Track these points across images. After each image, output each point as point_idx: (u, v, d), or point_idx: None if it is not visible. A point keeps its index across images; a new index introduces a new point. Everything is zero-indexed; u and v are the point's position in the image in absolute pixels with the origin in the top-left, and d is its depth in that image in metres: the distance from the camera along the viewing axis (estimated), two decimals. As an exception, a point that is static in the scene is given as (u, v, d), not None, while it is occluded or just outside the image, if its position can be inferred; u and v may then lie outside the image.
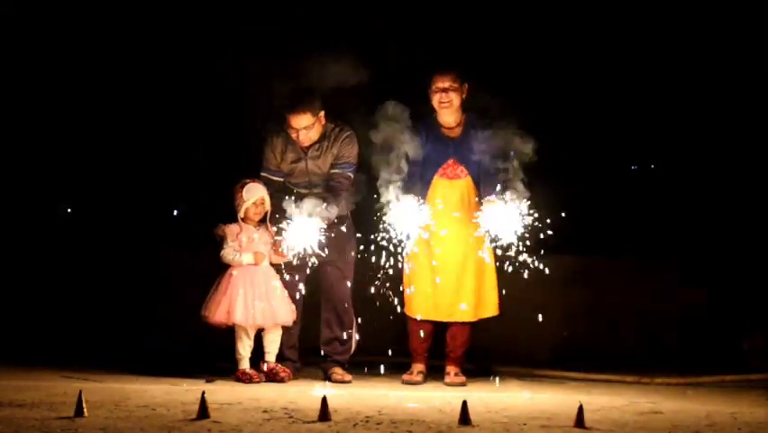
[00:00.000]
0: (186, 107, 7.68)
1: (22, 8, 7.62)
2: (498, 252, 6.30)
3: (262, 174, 6.41)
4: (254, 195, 6.29)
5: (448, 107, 6.32)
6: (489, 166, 6.26)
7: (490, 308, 6.40)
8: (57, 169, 7.79)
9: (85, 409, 4.64)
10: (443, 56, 6.50)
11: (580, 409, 4.71)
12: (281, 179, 6.42)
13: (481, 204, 6.20)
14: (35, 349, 7.06)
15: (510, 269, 6.33)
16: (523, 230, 6.07)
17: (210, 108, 7.59)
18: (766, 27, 7.55)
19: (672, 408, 5.41)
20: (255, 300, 6.21)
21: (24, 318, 7.33)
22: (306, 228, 6.10)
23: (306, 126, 6.27)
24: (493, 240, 6.21)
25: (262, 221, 6.39)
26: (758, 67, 7.63)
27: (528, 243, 6.14)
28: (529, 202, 6.08)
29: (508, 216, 6.05)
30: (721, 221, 7.70)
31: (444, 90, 6.29)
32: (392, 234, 6.15)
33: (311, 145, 6.36)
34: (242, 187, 6.29)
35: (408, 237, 6.16)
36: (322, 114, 6.32)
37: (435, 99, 6.34)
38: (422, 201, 6.22)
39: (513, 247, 6.13)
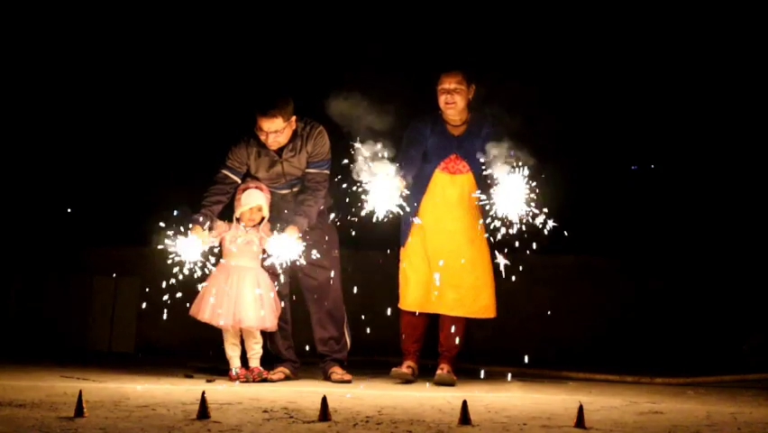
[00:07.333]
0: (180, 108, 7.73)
1: (21, 8, 7.64)
2: (498, 240, 6.18)
3: (223, 171, 6.31)
4: (250, 202, 6.27)
5: (453, 108, 6.31)
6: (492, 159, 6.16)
7: (488, 310, 6.37)
8: (56, 168, 7.81)
9: (85, 409, 4.63)
10: (452, 55, 6.43)
11: (580, 409, 4.71)
12: (240, 179, 6.34)
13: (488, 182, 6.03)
14: (35, 349, 7.06)
15: (505, 263, 6.29)
16: (527, 204, 5.87)
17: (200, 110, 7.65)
18: (765, 27, 7.57)
19: (672, 408, 5.41)
20: (223, 300, 6.20)
21: (24, 318, 7.34)
22: (288, 244, 6.09)
23: (277, 131, 6.20)
24: (497, 219, 6.00)
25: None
26: (758, 67, 7.65)
27: (526, 237, 6.10)
28: (535, 175, 5.91)
29: (516, 183, 5.87)
30: (721, 221, 7.70)
31: (450, 92, 6.29)
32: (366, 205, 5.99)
33: (284, 147, 6.30)
34: (243, 191, 6.29)
35: (375, 212, 5.95)
36: (293, 119, 6.25)
37: (441, 99, 6.34)
38: (406, 180, 6.10)
39: (513, 231, 5.98)
